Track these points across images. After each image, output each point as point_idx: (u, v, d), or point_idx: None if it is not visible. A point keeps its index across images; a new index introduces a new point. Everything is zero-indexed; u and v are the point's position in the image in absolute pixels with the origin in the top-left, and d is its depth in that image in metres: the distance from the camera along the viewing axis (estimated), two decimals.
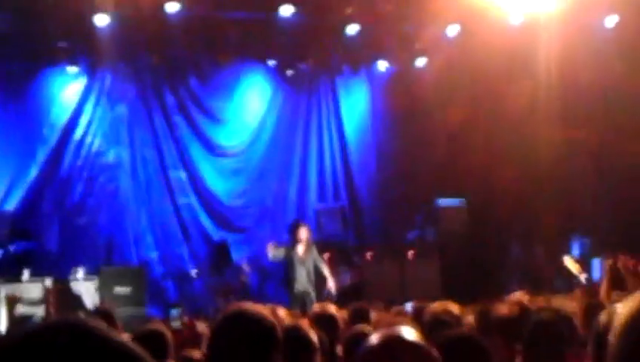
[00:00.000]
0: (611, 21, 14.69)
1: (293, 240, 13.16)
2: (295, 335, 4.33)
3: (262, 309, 3.70)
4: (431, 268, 14.57)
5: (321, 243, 14.09)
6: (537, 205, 15.46)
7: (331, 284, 13.06)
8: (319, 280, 13.14)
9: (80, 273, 13.33)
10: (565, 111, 14.93)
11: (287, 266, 13.14)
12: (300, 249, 13.05)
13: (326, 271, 13.19)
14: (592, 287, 11.00)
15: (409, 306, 8.89)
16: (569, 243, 14.61)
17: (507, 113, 15.58)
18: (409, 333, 2.47)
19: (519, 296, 7.34)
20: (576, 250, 14.26)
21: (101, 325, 1.61)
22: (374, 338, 2.46)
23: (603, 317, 3.42)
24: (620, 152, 14.72)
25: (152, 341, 4.96)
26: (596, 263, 13.17)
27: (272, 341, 3.47)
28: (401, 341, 2.46)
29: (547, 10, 13.58)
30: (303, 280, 12.94)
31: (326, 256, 13.79)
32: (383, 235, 16.77)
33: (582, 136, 15.06)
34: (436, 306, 6.05)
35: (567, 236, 14.80)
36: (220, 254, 14.99)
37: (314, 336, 4.41)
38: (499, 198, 15.88)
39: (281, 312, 6.66)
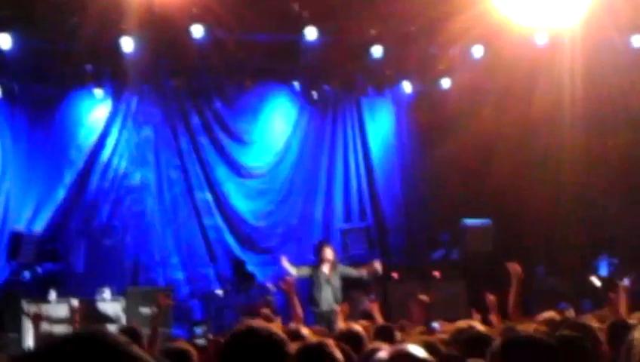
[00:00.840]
0: (638, 40, 14.61)
1: (319, 260, 13.34)
2: (319, 352, 4.33)
3: (273, 326, 3.73)
4: (456, 288, 14.53)
5: (346, 263, 14.20)
6: (564, 226, 15.38)
7: (373, 267, 13.58)
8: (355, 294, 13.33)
9: (106, 293, 13.43)
10: (590, 130, 14.87)
11: (312, 286, 13.25)
12: (326, 268, 13.22)
13: (356, 272, 13.53)
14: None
15: (435, 325, 8.86)
16: (596, 263, 14.53)
17: (533, 133, 15.54)
18: (417, 350, 2.49)
19: (548, 315, 7.31)
20: (603, 271, 14.17)
21: (123, 339, 1.64)
22: (383, 354, 2.48)
23: (636, 334, 3.41)
24: None
25: (176, 358, 4.99)
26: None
27: (281, 356, 3.49)
28: (408, 356, 2.48)
29: (571, 28, 13.53)
30: (329, 300, 13.03)
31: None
32: (408, 255, 16.74)
33: (607, 155, 14.96)
34: (461, 324, 6.04)
35: (594, 257, 14.72)
36: (241, 273, 15.04)
37: (338, 354, 4.40)
38: (525, 219, 15.81)
39: (305, 331, 6.66)
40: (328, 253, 13.46)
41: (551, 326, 5.95)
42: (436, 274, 14.94)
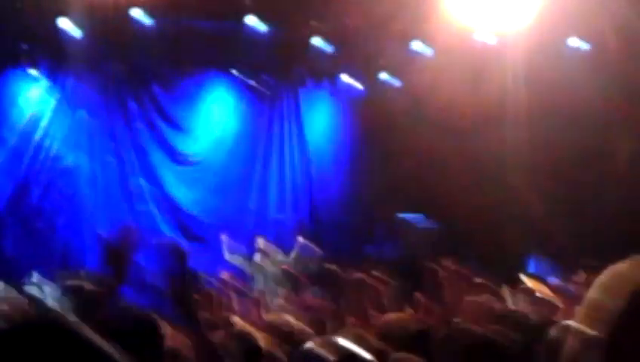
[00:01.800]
0: (574, 42, 14.82)
1: (259, 254, 13.41)
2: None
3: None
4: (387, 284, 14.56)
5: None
6: (500, 225, 15.51)
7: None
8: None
9: (34, 277, 13.17)
10: (532, 129, 15.02)
11: (257, 281, 13.31)
12: (257, 258, 13.25)
13: (284, 256, 13.59)
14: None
15: None
16: (525, 262, 14.67)
17: (476, 134, 15.62)
18: (345, 342, 2.48)
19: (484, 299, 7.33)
20: (531, 268, 14.31)
21: (76, 323, 1.58)
22: (310, 344, 2.46)
23: (553, 332, 3.42)
24: (588, 175, 14.82)
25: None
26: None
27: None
28: (336, 347, 2.46)
29: (514, 29, 13.66)
30: (260, 287, 13.06)
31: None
32: (341, 249, 16.75)
33: (550, 153, 15.09)
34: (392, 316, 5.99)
35: (524, 255, 14.86)
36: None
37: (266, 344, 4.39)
38: (466, 218, 15.89)
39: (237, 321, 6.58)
40: (260, 243, 13.51)
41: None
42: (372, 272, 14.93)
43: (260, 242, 13.53)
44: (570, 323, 1.96)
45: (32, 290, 12.82)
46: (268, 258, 13.40)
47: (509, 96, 14.90)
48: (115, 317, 3.57)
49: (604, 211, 14.56)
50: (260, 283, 13.16)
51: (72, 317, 1.60)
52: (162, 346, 3.62)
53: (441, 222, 15.90)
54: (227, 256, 13.15)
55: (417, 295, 8.59)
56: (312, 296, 9.58)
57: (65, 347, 1.47)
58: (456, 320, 5.91)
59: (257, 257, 13.35)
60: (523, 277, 12.66)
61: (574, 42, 14.83)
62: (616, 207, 14.28)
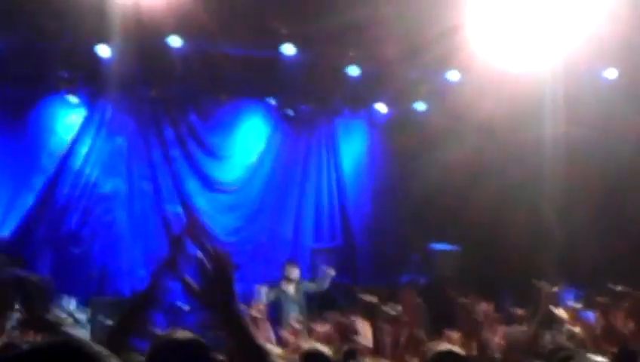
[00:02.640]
0: (611, 73, 14.78)
1: (284, 280, 13.48)
2: None
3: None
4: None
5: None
6: (538, 259, 15.38)
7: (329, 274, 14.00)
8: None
9: (71, 302, 13.26)
10: (570, 162, 14.94)
11: (278, 307, 13.32)
12: (291, 288, 13.35)
13: (316, 285, 14.08)
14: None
15: None
16: (562, 295, 14.52)
17: (512, 162, 15.57)
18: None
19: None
20: (570, 302, 14.17)
21: (100, 348, 1.60)
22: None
23: None
24: (623, 204, 14.71)
25: None
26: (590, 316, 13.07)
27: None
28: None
29: (548, 61, 13.66)
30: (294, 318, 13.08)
31: None
32: (376, 277, 16.70)
33: (588, 185, 14.99)
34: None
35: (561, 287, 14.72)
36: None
37: None
38: (502, 248, 15.79)
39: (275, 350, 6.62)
40: (294, 272, 13.61)
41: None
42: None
43: (288, 268, 13.66)
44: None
45: (60, 313, 12.94)
46: (292, 284, 13.52)
47: (544, 125, 14.86)
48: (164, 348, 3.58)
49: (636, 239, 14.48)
50: (281, 308, 13.29)
51: (95, 346, 1.61)
52: None
53: (473, 250, 15.80)
54: (264, 300, 13.22)
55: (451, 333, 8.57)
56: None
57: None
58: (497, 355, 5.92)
59: (283, 283, 13.45)
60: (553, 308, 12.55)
61: (609, 73, 14.79)
62: None
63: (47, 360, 1.54)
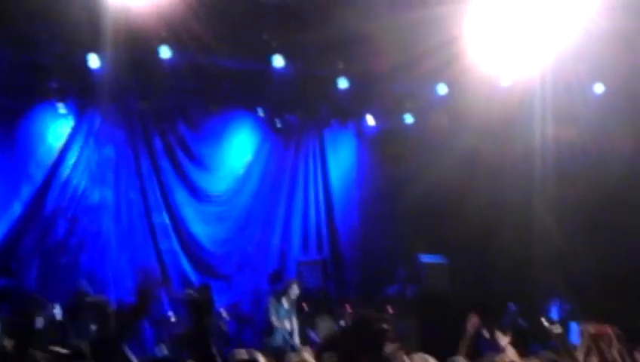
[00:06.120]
0: (599, 88, 14.86)
1: (282, 294, 13.62)
2: None
3: None
4: (409, 326, 14.47)
5: (301, 295, 14.27)
6: (526, 271, 15.43)
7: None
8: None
9: (57, 310, 13.20)
10: (559, 171, 15.00)
11: (270, 317, 13.52)
12: (287, 304, 13.52)
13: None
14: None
15: None
16: (548, 306, 14.58)
17: (501, 174, 15.61)
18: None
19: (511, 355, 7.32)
20: (554, 314, 14.23)
21: None
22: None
23: None
24: (614, 215, 14.75)
25: None
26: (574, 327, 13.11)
27: None
28: None
29: (535, 72, 13.74)
30: (285, 335, 13.29)
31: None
32: (363, 290, 16.74)
33: (578, 197, 15.05)
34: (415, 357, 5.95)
35: (547, 299, 14.77)
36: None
37: None
38: (491, 260, 15.83)
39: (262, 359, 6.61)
40: (295, 290, 13.79)
41: None
42: (389, 309, 14.90)
43: (295, 289, 14.01)
44: None
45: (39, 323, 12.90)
46: (290, 301, 13.65)
47: (533, 138, 14.93)
48: None
49: (629, 253, 14.50)
50: (274, 316, 13.45)
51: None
52: None
53: (462, 262, 15.83)
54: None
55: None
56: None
57: None
58: None
59: (287, 303, 13.75)
60: (545, 323, 12.58)
61: (598, 87, 14.87)
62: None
63: None
